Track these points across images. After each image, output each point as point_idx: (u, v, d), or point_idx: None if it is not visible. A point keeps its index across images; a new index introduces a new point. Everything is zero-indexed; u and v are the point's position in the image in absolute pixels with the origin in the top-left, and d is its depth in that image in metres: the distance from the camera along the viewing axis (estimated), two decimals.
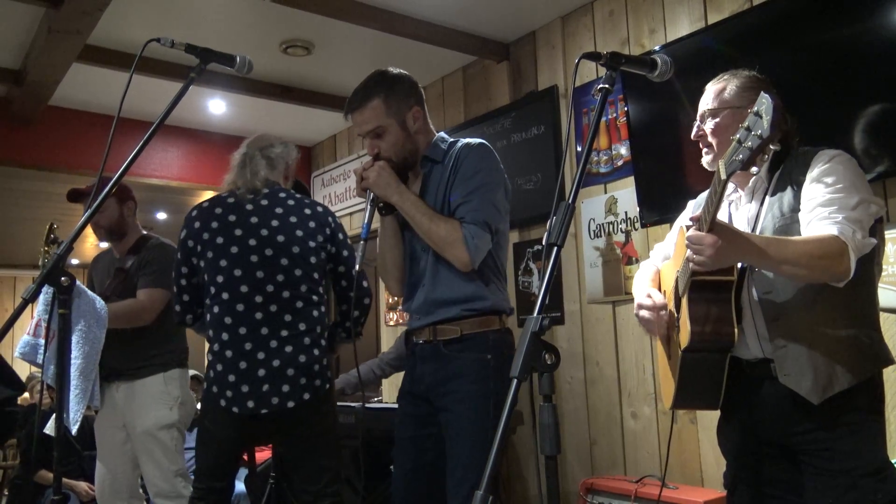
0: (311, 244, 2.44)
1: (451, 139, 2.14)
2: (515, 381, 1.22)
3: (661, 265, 2.01)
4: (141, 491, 3.16)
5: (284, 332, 2.36)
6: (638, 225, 3.17)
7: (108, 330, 2.62)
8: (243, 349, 2.33)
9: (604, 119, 3.38)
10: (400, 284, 2.18)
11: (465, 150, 2.06)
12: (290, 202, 2.49)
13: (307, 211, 2.49)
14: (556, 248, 1.34)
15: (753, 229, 1.72)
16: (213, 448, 2.42)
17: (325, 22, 3.54)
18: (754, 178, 1.75)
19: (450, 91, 4.35)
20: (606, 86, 1.49)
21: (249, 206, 2.43)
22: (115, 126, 1.75)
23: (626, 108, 3.17)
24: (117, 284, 3.01)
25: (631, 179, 3.19)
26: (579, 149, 3.48)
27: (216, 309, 2.38)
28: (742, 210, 1.79)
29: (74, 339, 2.22)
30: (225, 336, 2.35)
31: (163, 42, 1.83)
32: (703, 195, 1.92)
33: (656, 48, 3.06)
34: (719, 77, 1.83)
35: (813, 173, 1.64)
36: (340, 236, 2.56)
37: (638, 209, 3.13)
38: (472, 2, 3.50)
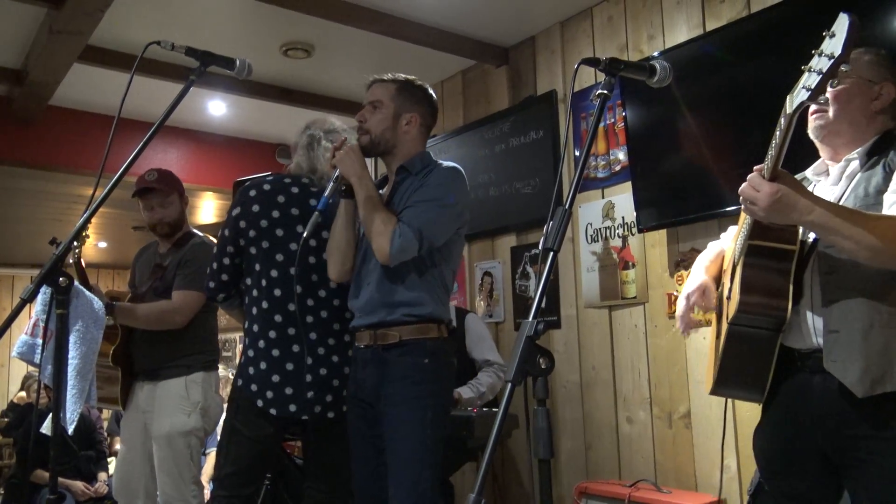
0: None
1: (435, 159, 2.23)
2: (510, 385, 1.23)
3: (730, 246, 1.81)
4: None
5: (332, 341, 2.31)
6: (635, 230, 3.18)
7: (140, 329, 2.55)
8: (291, 351, 2.27)
9: (602, 124, 3.40)
10: (341, 270, 2.21)
11: (436, 168, 2.16)
12: None
13: None
14: (552, 253, 1.34)
15: None
16: (241, 450, 2.29)
17: (325, 25, 3.56)
18: (847, 157, 1.60)
19: (449, 95, 4.37)
20: (605, 91, 1.49)
21: (313, 201, 2.32)
22: (115, 126, 1.76)
23: (624, 114, 3.19)
24: (155, 281, 2.94)
25: (628, 184, 3.20)
26: (577, 154, 3.50)
27: (265, 304, 2.30)
28: (827, 190, 1.62)
29: (72, 339, 2.23)
30: (273, 334, 2.27)
31: (163, 45, 1.84)
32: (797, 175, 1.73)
33: (655, 54, 3.07)
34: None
35: None
36: None
37: (635, 214, 3.14)
38: (471, 6, 3.52)
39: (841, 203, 1.54)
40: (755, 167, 1.38)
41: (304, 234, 2.05)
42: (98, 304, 2.32)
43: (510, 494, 3.78)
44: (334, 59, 4.09)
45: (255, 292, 2.33)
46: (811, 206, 1.36)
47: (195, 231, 3.10)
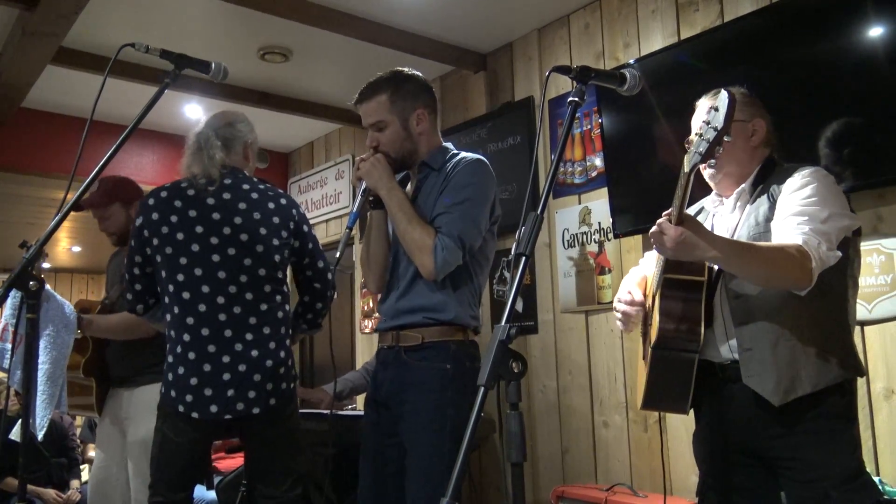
0: (276, 242, 2.34)
1: (455, 150, 2.14)
2: (482, 389, 1.23)
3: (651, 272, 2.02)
4: None
5: (249, 336, 2.27)
6: (611, 235, 3.21)
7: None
8: (207, 351, 2.23)
9: (578, 131, 3.42)
10: (380, 282, 2.17)
11: (461, 163, 2.08)
12: (254, 195, 2.37)
13: (271, 205, 2.38)
14: (524, 258, 1.35)
15: (732, 236, 1.75)
16: (171, 456, 2.28)
17: (303, 29, 3.55)
18: (738, 190, 1.81)
19: None
20: (576, 99, 1.52)
21: (211, 201, 2.31)
22: (87, 129, 1.74)
23: (600, 121, 3.22)
24: (123, 289, 2.93)
25: (604, 190, 3.23)
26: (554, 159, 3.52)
27: (176, 309, 2.28)
28: (724, 219, 1.84)
29: (42, 343, 2.20)
30: (186, 337, 2.25)
31: (137, 47, 1.82)
32: (693, 207, 1.98)
33: (630, 62, 3.11)
34: (713, 92, 1.83)
35: (789, 186, 1.69)
36: (305, 228, 2.46)
37: (611, 220, 3.16)
38: (449, 12, 3.53)
39: (737, 230, 1.77)
40: (664, 213, 1.54)
41: (338, 254, 1.98)
42: (69, 308, 2.29)
43: (488, 499, 3.78)
44: (312, 63, 4.08)
45: (166, 299, 2.32)
46: (710, 245, 1.51)
47: None
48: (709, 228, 1.83)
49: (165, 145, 5.10)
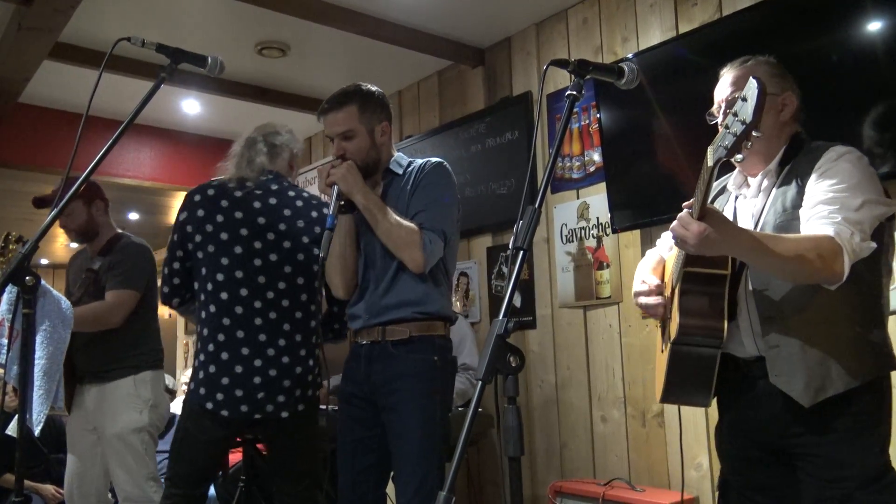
0: (315, 252, 2.38)
1: (409, 158, 2.30)
2: (480, 383, 1.23)
3: (668, 254, 1.92)
4: (110, 495, 3.12)
5: (282, 342, 2.31)
6: (609, 230, 3.21)
7: (78, 332, 2.57)
8: (240, 353, 2.26)
9: (577, 125, 3.42)
10: (350, 284, 2.24)
11: (427, 166, 2.21)
12: (299, 203, 2.42)
13: (314, 214, 2.43)
14: (522, 252, 1.35)
15: (756, 224, 1.66)
16: (194, 452, 2.33)
17: (300, 24, 3.54)
18: (764, 171, 1.70)
19: (425, 95, 4.37)
20: (574, 93, 1.51)
21: (257, 204, 2.35)
22: (83, 125, 1.74)
23: (598, 115, 3.21)
24: (88, 286, 2.96)
25: (603, 185, 3.22)
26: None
27: (213, 308, 2.31)
28: (748, 204, 1.74)
29: (39, 339, 2.19)
30: (221, 337, 2.28)
31: (133, 41, 1.82)
32: (714, 185, 1.84)
33: (629, 56, 3.10)
34: (740, 61, 1.75)
35: (819, 170, 1.57)
36: None
37: (609, 215, 3.16)
38: (448, 7, 3.52)
39: (762, 216, 1.66)
40: (684, 204, 1.46)
41: (322, 255, 2.05)
42: (66, 303, 2.29)
43: (486, 494, 3.79)
44: (310, 58, 4.07)
45: (202, 296, 2.35)
46: (735, 240, 1.44)
47: (124, 233, 3.13)
48: (730, 212, 1.76)
49: (163, 141, 5.09)
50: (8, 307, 2.21)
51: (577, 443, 3.35)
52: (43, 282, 1.69)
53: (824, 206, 1.51)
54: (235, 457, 3.88)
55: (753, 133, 1.29)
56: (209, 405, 2.26)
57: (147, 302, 2.99)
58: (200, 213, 2.35)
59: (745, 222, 1.70)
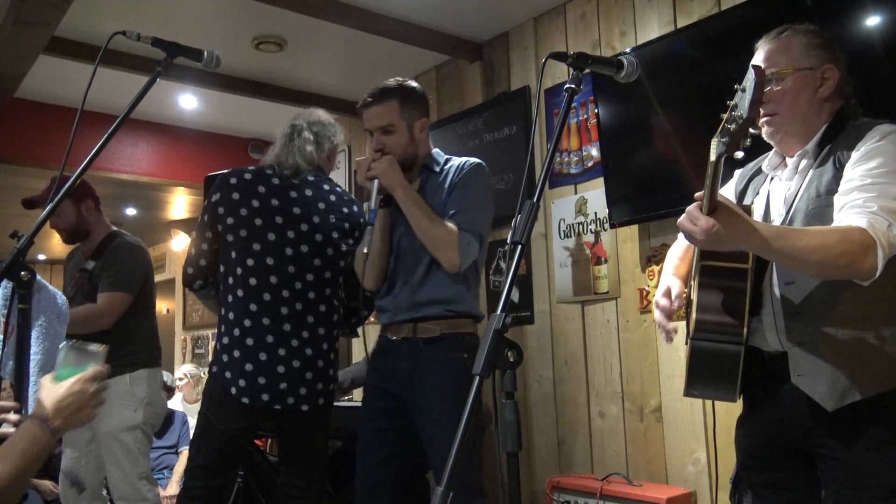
0: (343, 248, 2.40)
1: (446, 155, 2.31)
2: (477, 378, 1.23)
3: None
4: (105, 492, 3.12)
5: (306, 334, 2.31)
6: (607, 225, 3.20)
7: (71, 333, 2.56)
8: (265, 341, 2.27)
9: (575, 120, 3.41)
10: (378, 277, 2.24)
11: (466, 166, 2.23)
12: (332, 197, 2.43)
13: (345, 210, 2.44)
14: (520, 247, 1.34)
15: (789, 210, 1.55)
16: (213, 442, 2.31)
17: (298, 18, 3.52)
18: (801, 151, 1.57)
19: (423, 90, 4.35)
20: (573, 86, 1.50)
21: (293, 194, 2.36)
22: (77, 120, 1.72)
23: (596, 110, 3.20)
24: (81, 285, 2.96)
25: (601, 180, 3.21)
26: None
27: (240, 292, 2.30)
28: (783, 186, 1.61)
29: (34, 334, 2.18)
30: (248, 322, 2.27)
31: (129, 35, 1.80)
32: (750, 165, 1.76)
33: (627, 50, 3.09)
34: (775, 33, 1.61)
35: (859, 151, 1.44)
36: None
37: (607, 210, 3.15)
38: (445, 2, 3.50)
39: (795, 201, 1.55)
40: (696, 195, 1.37)
41: (365, 250, 2.06)
42: (62, 298, 2.27)
43: (488, 489, 3.78)
44: (307, 53, 4.05)
45: (230, 280, 2.33)
46: (749, 236, 1.35)
47: (119, 231, 3.11)
48: (764, 195, 1.64)
49: (161, 136, 5.08)
50: (3, 302, 2.20)
51: (575, 438, 3.34)
52: (38, 277, 1.68)
53: (859, 194, 1.38)
54: None
55: (751, 129, 1.24)
56: (233, 390, 2.24)
57: (143, 300, 2.98)
58: (235, 195, 2.33)
59: (777, 207, 1.60)
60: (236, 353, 2.27)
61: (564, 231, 3.42)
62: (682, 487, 2.82)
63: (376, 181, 2.10)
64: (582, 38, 3.45)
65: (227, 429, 2.30)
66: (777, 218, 1.60)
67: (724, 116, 1.28)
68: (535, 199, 1.37)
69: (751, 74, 1.23)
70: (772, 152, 1.67)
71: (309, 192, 2.38)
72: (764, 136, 1.61)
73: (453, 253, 2.07)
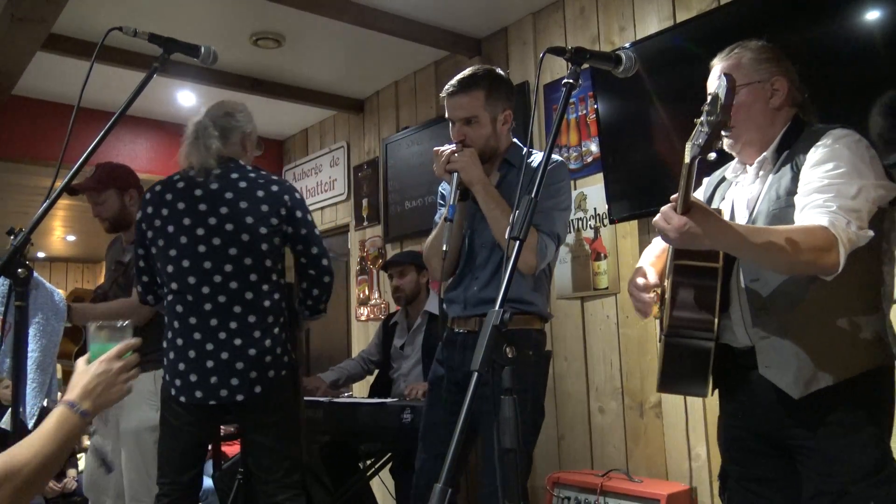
0: (263, 230, 2.35)
1: (527, 147, 2.21)
2: (475, 374, 1.23)
3: None
4: None
5: (233, 324, 2.32)
6: (606, 221, 3.20)
7: None
8: (193, 339, 2.32)
9: (573, 116, 3.40)
10: (448, 271, 2.23)
11: (550, 164, 2.16)
12: (242, 184, 2.38)
13: (260, 193, 2.38)
14: (518, 242, 1.34)
15: (751, 213, 1.64)
16: (172, 439, 2.40)
17: (296, 14, 3.51)
18: (762, 156, 1.66)
19: (422, 86, 4.34)
20: (571, 81, 1.49)
21: (199, 192, 2.37)
22: (74, 116, 1.72)
23: (595, 105, 3.19)
24: (117, 278, 2.95)
25: (600, 176, 3.21)
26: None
27: (169, 298, 2.39)
28: (745, 191, 1.70)
29: (32, 331, 2.18)
30: (176, 325, 2.35)
31: (125, 31, 1.80)
32: (716, 173, 1.85)
33: (626, 45, 3.08)
34: (727, 51, 1.72)
35: (815, 155, 1.53)
36: (299, 214, 2.45)
37: (607, 206, 3.15)
38: None
39: (757, 204, 1.64)
40: (671, 197, 1.43)
41: (445, 248, 2.03)
42: (59, 296, 2.28)
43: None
44: (305, 49, 4.04)
45: (164, 289, 2.44)
46: (720, 234, 1.42)
47: None
48: (729, 200, 1.74)
49: (159, 133, 5.07)
50: (0, 300, 2.20)
51: (575, 434, 3.34)
52: (35, 274, 1.68)
53: (819, 195, 1.47)
54: (233, 450, 3.88)
55: (723, 132, 1.32)
56: (172, 391, 2.34)
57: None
58: (150, 209, 2.41)
59: (741, 211, 1.68)
60: (171, 355, 2.35)
61: None
62: (682, 483, 2.82)
63: (456, 175, 2.07)
64: (581, 33, 3.44)
65: (181, 425, 2.37)
66: (741, 220, 1.67)
67: (698, 121, 1.35)
68: (533, 195, 1.37)
69: (722, 81, 1.31)
70: (734, 161, 1.77)
71: (215, 186, 2.37)
72: (725, 148, 1.70)
73: (530, 255, 2.03)
